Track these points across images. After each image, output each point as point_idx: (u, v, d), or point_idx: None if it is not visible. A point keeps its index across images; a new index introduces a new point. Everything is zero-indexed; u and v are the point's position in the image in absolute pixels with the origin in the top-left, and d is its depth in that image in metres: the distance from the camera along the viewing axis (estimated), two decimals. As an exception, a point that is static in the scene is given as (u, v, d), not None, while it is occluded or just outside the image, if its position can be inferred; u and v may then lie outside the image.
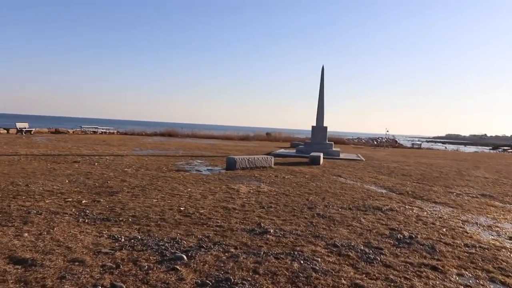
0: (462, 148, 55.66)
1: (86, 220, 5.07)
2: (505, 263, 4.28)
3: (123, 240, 4.30)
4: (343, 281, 3.48)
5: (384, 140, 47.75)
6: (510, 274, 3.96)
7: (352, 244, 4.63)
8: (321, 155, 15.79)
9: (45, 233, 4.38)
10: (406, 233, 5.29)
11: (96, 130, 36.87)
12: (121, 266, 3.52)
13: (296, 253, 4.19)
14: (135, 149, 18.44)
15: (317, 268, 3.78)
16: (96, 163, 11.59)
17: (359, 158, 18.99)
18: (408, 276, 3.70)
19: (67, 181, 8.20)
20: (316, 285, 3.38)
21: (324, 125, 21.83)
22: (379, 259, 4.18)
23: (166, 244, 4.22)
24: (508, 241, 5.28)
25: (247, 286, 3.27)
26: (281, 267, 3.75)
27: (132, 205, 6.11)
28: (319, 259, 4.03)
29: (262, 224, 5.33)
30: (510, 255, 4.63)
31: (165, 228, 4.91)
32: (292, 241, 4.65)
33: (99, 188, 7.57)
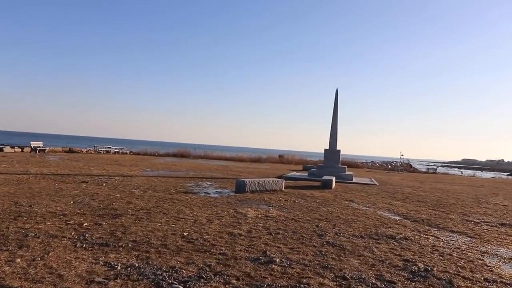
0: (478, 173, 54.35)
1: (84, 245, 4.88)
2: (531, 303, 3.91)
3: (119, 268, 4.09)
4: (352, 320, 3.19)
5: (398, 164, 47.03)
6: (537, 316, 3.61)
7: (363, 277, 4.32)
8: (333, 179, 15.46)
9: (39, 259, 4.20)
10: (421, 265, 4.95)
11: (109, 150, 37.17)
12: (113, 297, 3.30)
13: (302, 286, 3.90)
14: (145, 170, 18.38)
15: (324, 304, 3.49)
16: (104, 184, 11.50)
17: (372, 183, 18.56)
18: (423, 316, 3.39)
19: (72, 202, 8.07)
20: (322, 324, 3.09)
21: (337, 148, 21.54)
22: (392, 295, 3.87)
23: (164, 274, 3.99)
24: (533, 276, 4.89)
25: (246, 323, 3.01)
26: (284, 302, 3.47)
27: (134, 229, 5.92)
28: (327, 294, 3.74)
29: (268, 253, 5.06)
30: (536, 293, 4.25)
31: (165, 255, 4.69)
32: (298, 272, 4.37)
33: (103, 210, 7.41)
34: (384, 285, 4.13)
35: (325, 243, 5.88)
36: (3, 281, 3.50)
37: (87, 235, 5.38)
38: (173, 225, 6.41)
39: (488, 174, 53.92)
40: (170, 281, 3.78)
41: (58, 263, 4.12)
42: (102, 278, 3.73)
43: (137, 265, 4.22)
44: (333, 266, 4.66)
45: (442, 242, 6.50)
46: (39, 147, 28.63)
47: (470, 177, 37.02)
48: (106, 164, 20.72)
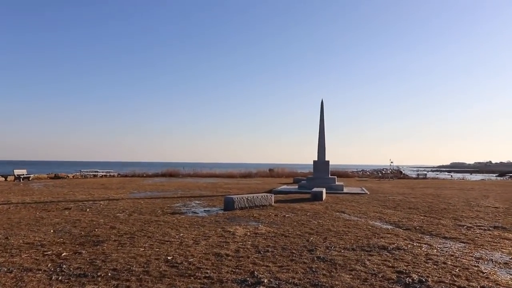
0: (468, 176, 54.80)
1: (60, 277, 4.58)
2: (531, 310, 3.74)
3: (95, 300, 3.81)
4: None
5: (388, 172, 47.15)
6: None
7: (355, 294, 4.11)
8: (324, 190, 15.29)
9: (9, 296, 3.91)
10: (415, 276, 4.76)
11: (96, 173, 36.56)
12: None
13: (291, 308, 3.68)
14: (132, 192, 18.00)
15: (315, 327, 3.27)
16: (88, 209, 11.14)
17: (363, 192, 18.44)
18: (420, 333, 3.19)
19: (52, 230, 7.74)
20: None
21: (326, 159, 21.44)
22: (386, 311, 3.66)
23: (144, 304, 3.73)
24: (530, 281, 4.73)
25: None
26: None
27: (116, 256, 5.63)
28: (317, 315, 3.52)
29: (255, 273, 4.83)
30: (535, 299, 4.09)
31: (146, 283, 4.42)
32: (287, 292, 4.14)
33: (85, 237, 7.10)
34: (378, 301, 3.93)
35: (315, 258, 5.66)
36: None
37: (64, 266, 5.08)
38: (157, 249, 6.13)
39: (477, 177, 54.40)
40: (149, 312, 3.52)
41: (29, 299, 3.83)
42: (76, 314, 3.46)
43: (115, 296, 3.95)
44: (323, 284, 4.44)
45: (435, 250, 6.33)
46: (23, 175, 27.98)
47: (459, 181, 37.24)
48: (92, 188, 20.26)
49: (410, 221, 9.43)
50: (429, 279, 4.67)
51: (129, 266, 5.08)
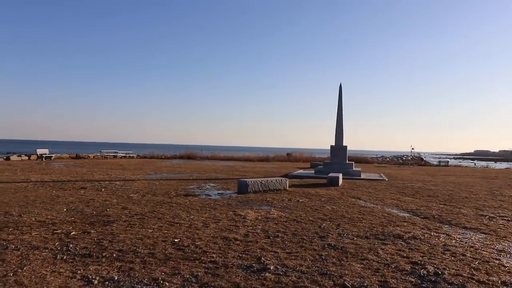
0: (492, 164, 53.18)
1: (65, 257, 4.54)
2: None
3: (96, 282, 3.74)
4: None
5: (409, 158, 46.19)
6: None
7: (365, 284, 3.90)
8: (340, 175, 15.00)
9: (11, 274, 3.87)
10: (430, 268, 4.52)
11: (116, 154, 37.11)
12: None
13: (296, 297, 3.51)
14: (149, 173, 18.13)
15: (319, 319, 3.10)
16: (103, 189, 11.22)
17: (381, 178, 18.04)
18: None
19: (65, 209, 7.78)
20: None
21: (344, 144, 21.03)
22: (397, 304, 3.45)
23: (144, 287, 3.63)
24: (556, 277, 4.42)
25: None
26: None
27: (123, 237, 5.57)
28: (323, 306, 3.34)
29: (262, 259, 4.68)
30: (560, 297, 3.80)
31: (150, 265, 4.33)
32: (294, 280, 3.97)
33: (96, 217, 7.10)
34: (389, 293, 3.72)
35: (326, 246, 5.47)
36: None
37: (71, 245, 5.05)
38: (166, 231, 6.05)
39: (502, 165, 52.74)
40: (148, 297, 3.42)
41: (31, 278, 3.79)
42: (74, 295, 3.38)
43: (116, 278, 3.86)
44: (332, 273, 4.25)
45: (454, 241, 6.04)
46: (45, 154, 28.61)
47: (483, 169, 36.14)
48: (111, 168, 20.52)
49: (428, 210, 9.10)
50: (446, 271, 4.42)
51: (135, 248, 5.01)
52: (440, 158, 56.15)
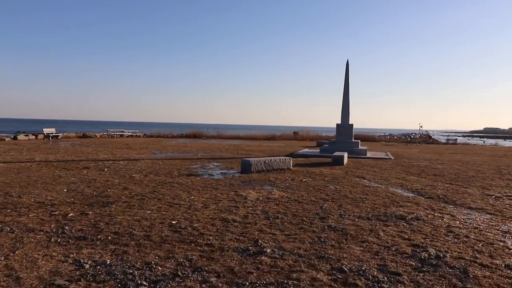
0: (501, 142, 52.46)
1: (59, 240, 4.49)
2: (561, 296, 3.34)
3: (87, 266, 3.67)
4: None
5: (417, 136, 45.74)
6: None
7: (363, 268, 3.80)
8: (345, 154, 14.83)
9: (2, 258, 3.82)
10: (432, 251, 4.40)
11: (122, 133, 37.19)
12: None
13: (290, 282, 3.42)
14: (154, 152, 18.11)
15: (313, 305, 3.00)
16: (106, 169, 11.20)
17: (387, 157, 17.84)
18: (430, 318, 2.86)
19: (65, 190, 7.76)
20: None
21: (350, 122, 20.74)
22: (394, 290, 3.35)
23: (136, 272, 3.56)
24: (563, 260, 4.27)
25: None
26: (266, 304, 3.00)
27: (120, 219, 5.52)
28: (318, 292, 3.25)
29: (259, 242, 4.59)
30: None
31: (145, 248, 4.26)
32: (290, 264, 3.88)
33: (96, 197, 7.06)
34: (387, 278, 3.61)
35: (326, 227, 5.36)
36: None
37: (66, 227, 5.00)
38: (164, 212, 5.99)
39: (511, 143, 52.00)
40: (139, 282, 3.34)
41: (22, 262, 3.74)
42: (64, 280, 3.32)
43: (109, 262, 3.80)
44: (330, 256, 4.15)
45: (458, 222, 5.90)
46: (52, 133, 28.74)
47: (492, 147, 35.65)
48: (116, 148, 20.54)
49: (433, 189, 8.93)
50: (448, 254, 4.30)
51: (131, 230, 4.95)
52: (448, 136, 55.56)
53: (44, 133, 28.38)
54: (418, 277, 3.64)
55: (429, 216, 6.19)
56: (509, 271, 3.85)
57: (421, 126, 43.18)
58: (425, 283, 3.50)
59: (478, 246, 4.65)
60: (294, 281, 3.44)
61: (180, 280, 3.40)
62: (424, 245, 4.64)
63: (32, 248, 4.18)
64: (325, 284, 3.42)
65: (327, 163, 14.09)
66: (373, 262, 4.01)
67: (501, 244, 4.79)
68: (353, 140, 20.15)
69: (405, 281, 3.54)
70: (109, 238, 4.61)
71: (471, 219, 6.13)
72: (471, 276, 3.70)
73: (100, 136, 35.13)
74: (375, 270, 3.77)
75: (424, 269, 3.86)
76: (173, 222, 5.42)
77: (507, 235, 5.23)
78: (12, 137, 26.70)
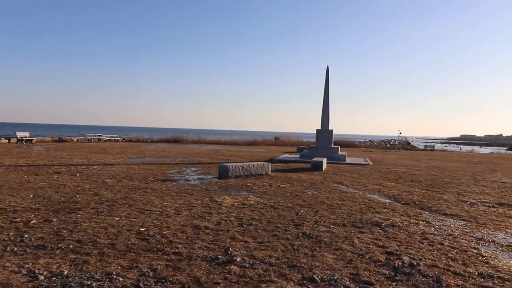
0: (477, 149, 53.81)
1: (15, 249, 4.21)
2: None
3: (42, 278, 3.42)
4: None
5: (396, 143, 46.39)
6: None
7: (335, 278, 3.67)
8: (324, 160, 14.80)
9: (-51, 270, 3.54)
10: (406, 259, 4.31)
11: (100, 137, 36.42)
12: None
13: (258, 293, 3.25)
14: (131, 157, 17.71)
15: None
16: (78, 174, 10.82)
17: (366, 163, 17.92)
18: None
19: (31, 195, 7.40)
20: None
21: (330, 128, 20.80)
22: (366, 300, 3.23)
23: (94, 284, 3.33)
24: (535, 267, 4.25)
25: None
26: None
27: (86, 226, 5.25)
28: (287, 303, 3.10)
29: (230, 250, 4.41)
30: (538, 290, 3.62)
31: (108, 258, 4.03)
32: (260, 273, 3.72)
33: (63, 203, 6.75)
34: (359, 287, 3.48)
35: (300, 234, 5.23)
36: None
37: (26, 235, 4.71)
38: (134, 219, 5.74)
39: (487, 149, 53.37)
40: (96, 294, 3.12)
41: (-30, 274, 3.46)
42: (14, 294, 3.07)
43: (66, 272, 3.55)
44: (302, 265, 4.00)
45: (433, 228, 5.86)
46: (26, 137, 27.86)
47: (468, 153, 36.45)
48: (92, 152, 20.01)
49: (410, 195, 8.94)
50: (422, 262, 4.22)
51: (95, 238, 4.69)
52: (427, 142, 56.60)
53: (17, 137, 27.47)
54: (391, 287, 3.53)
55: (405, 223, 6.13)
56: (482, 280, 3.79)
57: (400, 133, 43.80)
58: (398, 293, 3.39)
59: (452, 254, 4.59)
60: (263, 292, 3.28)
61: (141, 292, 3.20)
62: (398, 252, 4.55)
63: (-16, 258, 3.90)
64: (295, 295, 3.27)
65: (306, 169, 14.02)
66: (346, 271, 3.89)
67: (475, 251, 4.74)
68: (333, 145, 20.19)
69: (378, 291, 3.42)
70: (71, 246, 4.35)
71: (445, 225, 6.10)
72: (444, 285, 3.61)
73: (77, 140, 34.29)
74: (347, 280, 3.64)
75: (397, 278, 3.75)
76: (141, 229, 5.18)
77: (481, 242, 5.21)
78: (-17, 140, 25.73)
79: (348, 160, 18.56)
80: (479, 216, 6.85)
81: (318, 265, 4.01)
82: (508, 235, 5.62)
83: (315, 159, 14.79)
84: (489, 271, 4.03)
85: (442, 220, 6.46)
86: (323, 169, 13.95)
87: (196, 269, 3.77)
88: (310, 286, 3.46)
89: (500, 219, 6.72)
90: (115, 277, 3.49)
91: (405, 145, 45.19)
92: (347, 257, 4.33)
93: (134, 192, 8.18)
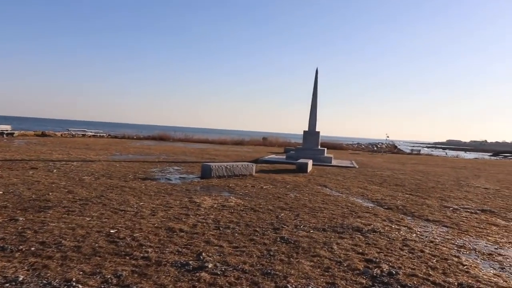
0: (462, 154, 54.49)
1: (-29, 250, 3.94)
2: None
3: (-6, 284, 3.18)
4: None
5: (383, 146, 46.64)
6: None
7: (310, 287, 3.49)
8: (310, 162, 14.66)
9: None
10: (385, 267, 4.16)
11: (84, 133, 35.79)
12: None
13: (227, 304, 3.06)
14: (114, 154, 17.35)
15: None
16: (55, 170, 10.47)
17: (352, 165, 17.86)
18: None
19: (1, 192, 7.07)
20: None
21: (317, 129, 20.69)
22: (340, 313, 3.05)
23: (49, 291, 3.09)
24: (515, 278, 4.14)
25: None
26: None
27: (53, 226, 4.99)
28: (256, 315, 2.90)
29: (203, 255, 4.20)
30: (519, 303, 3.50)
31: (70, 262, 3.78)
32: (231, 282, 3.52)
33: (33, 201, 6.44)
34: (334, 298, 3.31)
35: (278, 239, 5.04)
36: None
37: (-14, 236, 4.43)
38: (105, 220, 5.49)
39: (472, 155, 54.12)
40: (50, 304, 2.89)
41: None
42: (-41, 302, 2.82)
43: (21, 278, 3.31)
44: (277, 272, 3.82)
45: (414, 235, 5.74)
46: (7, 130, 27.17)
47: (453, 158, 36.82)
48: (74, 148, 19.56)
49: (393, 199, 8.84)
50: (401, 271, 4.07)
51: (61, 240, 4.44)
52: (413, 146, 57.07)
53: (-2, 130, 26.77)
54: (367, 298, 3.36)
55: (386, 228, 6.00)
56: (462, 291, 3.65)
57: (387, 136, 44.01)
58: (374, 305, 3.23)
59: (432, 262, 4.46)
60: (231, 303, 3.08)
61: (100, 302, 2.97)
62: (377, 260, 4.40)
63: None
64: (265, 306, 3.08)
65: (291, 170, 13.87)
66: (322, 279, 3.71)
67: (455, 260, 4.62)
68: (319, 147, 20.09)
69: (353, 302, 3.25)
70: (33, 249, 4.09)
71: (427, 231, 5.99)
72: (423, 296, 3.46)
73: (61, 135, 33.63)
74: (323, 289, 3.47)
75: (374, 287, 3.60)
76: (111, 231, 4.94)
77: (462, 249, 5.10)
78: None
79: (334, 162, 18.48)
80: (461, 223, 6.77)
81: (294, 273, 3.82)
82: (490, 243, 5.52)
83: (300, 160, 14.65)
84: (469, 281, 3.90)
85: (424, 226, 6.35)
86: (308, 171, 13.82)
87: (164, 276, 3.55)
88: (282, 297, 3.27)
89: (482, 226, 6.64)
90: (74, 284, 3.25)
91: (391, 148, 45.48)
92: (324, 264, 4.15)
93: (111, 190, 7.90)
